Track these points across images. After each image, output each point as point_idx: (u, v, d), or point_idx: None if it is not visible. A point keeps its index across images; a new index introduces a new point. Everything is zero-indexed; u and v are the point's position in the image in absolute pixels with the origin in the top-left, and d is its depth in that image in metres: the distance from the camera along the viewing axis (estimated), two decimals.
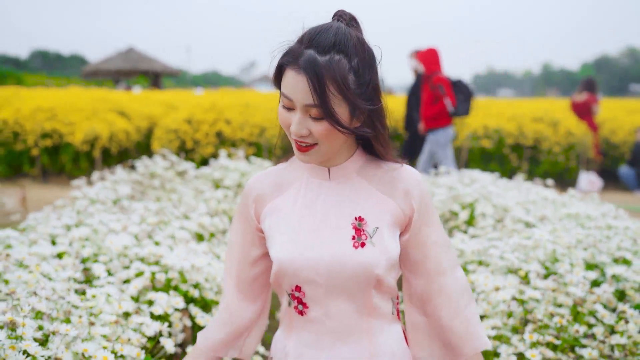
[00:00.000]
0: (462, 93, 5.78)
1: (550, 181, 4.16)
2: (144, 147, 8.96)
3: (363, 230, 1.16)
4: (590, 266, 2.20)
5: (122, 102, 9.68)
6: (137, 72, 22.50)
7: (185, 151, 7.95)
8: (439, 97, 5.74)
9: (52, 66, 63.72)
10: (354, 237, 1.15)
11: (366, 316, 1.19)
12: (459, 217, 3.25)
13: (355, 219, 1.17)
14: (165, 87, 27.60)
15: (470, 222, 3.26)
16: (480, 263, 2.41)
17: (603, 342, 1.70)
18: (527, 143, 8.51)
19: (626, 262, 2.18)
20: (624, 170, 8.77)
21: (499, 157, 8.65)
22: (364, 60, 1.09)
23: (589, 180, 7.39)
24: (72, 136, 8.20)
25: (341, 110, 1.09)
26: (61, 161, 8.45)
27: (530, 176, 8.05)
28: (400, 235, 1.22)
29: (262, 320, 1.38)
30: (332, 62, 1.05)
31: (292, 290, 1.20)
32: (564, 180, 8.50)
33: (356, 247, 1.15)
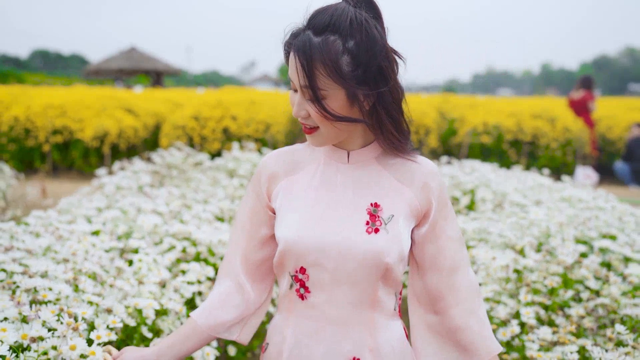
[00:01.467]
0: None
1: (546, 171, 4.37)
2: (151, 144, 9.17)
3: (378, 217, 1.13)
4: (580, 241, 2.41)
5: (129, 99, 9.87)
6: (139, 72, 22.58)
7: (192, 147, 8.15)
8: None
9: (52, 66, 63.95)
10: (367, 223, 1.12)
11: (368, 308, 1.15)
12: (460, 202, 3.47)
13: (371, 204, 1.14)
14: (166, 87, 27.79)
15: (470, 207, 3.47)
16: (480, 240, 2.63)
17: (588, 300, 1.91)
18: (525, 139, 8.74)
19: (612, 238, 2.39)
20: (619, 165, 9.00)
21: (498, 152, 8.87)
22: (362, 41, 1.03)
23: (585, 174, 7.61)
24: (81, 132, 8.41)
25: (336, 94, 1.05)
26: (71, 157, 8.66)
27: (528, 170, 8.27)
28: (416, 227, 1.18)
29: (265, 305, 1.33)
30: (324, 43, 1.02)
31: (296, 272, 1.16)
32: (561, 174, 8.71)
33: (369, 233, 1.11)
